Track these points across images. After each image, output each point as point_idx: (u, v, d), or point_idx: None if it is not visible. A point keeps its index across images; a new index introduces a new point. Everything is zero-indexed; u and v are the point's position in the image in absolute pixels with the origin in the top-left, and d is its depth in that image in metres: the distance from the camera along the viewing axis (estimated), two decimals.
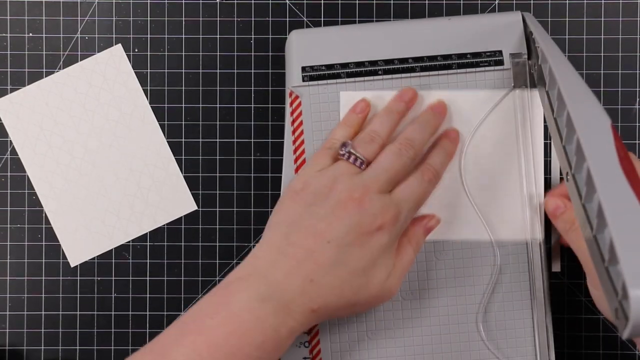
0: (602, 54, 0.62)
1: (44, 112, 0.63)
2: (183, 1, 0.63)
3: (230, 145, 0.63)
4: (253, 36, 0.63)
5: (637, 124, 0.61)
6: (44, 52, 0.63)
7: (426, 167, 0.54)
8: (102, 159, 0.63)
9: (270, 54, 0.63)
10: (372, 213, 0.50)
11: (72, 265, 0.63)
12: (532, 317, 0.57)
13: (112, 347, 0.62)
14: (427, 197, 0.54)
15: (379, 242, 0.50)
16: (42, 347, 0.62)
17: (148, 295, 0.62)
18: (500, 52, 0.57)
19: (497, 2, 0.62)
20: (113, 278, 0.62)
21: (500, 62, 0.57)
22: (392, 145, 0.53)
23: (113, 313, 0.62)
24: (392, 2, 0.62)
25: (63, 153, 0.62)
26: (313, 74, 0.58)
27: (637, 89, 0.61)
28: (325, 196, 0.51)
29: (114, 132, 0.63)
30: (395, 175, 0.52)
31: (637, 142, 0.62)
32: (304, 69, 0.58)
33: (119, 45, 0.63)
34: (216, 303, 0.49)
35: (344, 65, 0.58)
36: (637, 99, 0.62)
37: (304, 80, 0.58)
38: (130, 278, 0.62)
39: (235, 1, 0.63)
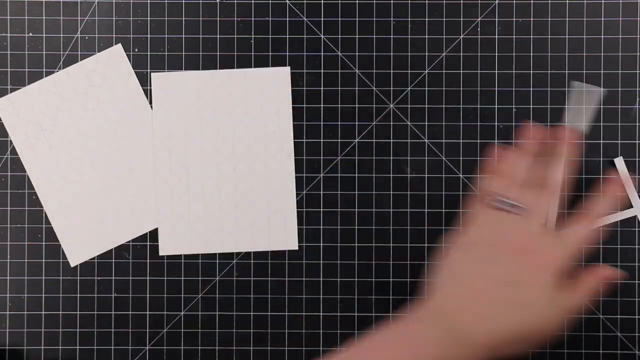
0: (602, 54, 0.62)
1: (44, 112, 0.63)
2: (183, 1, 0.63)
3: None
4: (253, 36, 0.63)
5: (637, 124, 0.61)
6: (44, 52, 0.63)
7: (596, 219, 0.56)
8: (102, 159, 0.63)
9: (270, 54, 0.62)
10: (544, 256, 0.53)
11: (72, 265, 0.62)
12: None
13: (112, 347, 0.62)
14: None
15: (546, 280, 0.52)
16: (42, 347, 0.62)
17: (148, 295, 0.62)
18: None
19: (497, 2, 0.62)
20: (113, 278, 0.62)
21: None
22: (545, 189, 0.55)
23: (113, 313, 0.62)
24: (392, 2, 0.62)
25: (63, 153, 0.62)
26: None
27: (637, 89, 0.61)
28: (496, 246, 0.53)
29: (114, 132, 0.63)
30: (556, 213, 0.55)
31: (637, 142, 0.61)
32: None
33: (119, 45, 0.63)
34: (399, 335, 0.51)
35: None
36: (637, 99, 0.61)
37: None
38: (130, 278, 0.62)
39: (235, 1, 0.63)
